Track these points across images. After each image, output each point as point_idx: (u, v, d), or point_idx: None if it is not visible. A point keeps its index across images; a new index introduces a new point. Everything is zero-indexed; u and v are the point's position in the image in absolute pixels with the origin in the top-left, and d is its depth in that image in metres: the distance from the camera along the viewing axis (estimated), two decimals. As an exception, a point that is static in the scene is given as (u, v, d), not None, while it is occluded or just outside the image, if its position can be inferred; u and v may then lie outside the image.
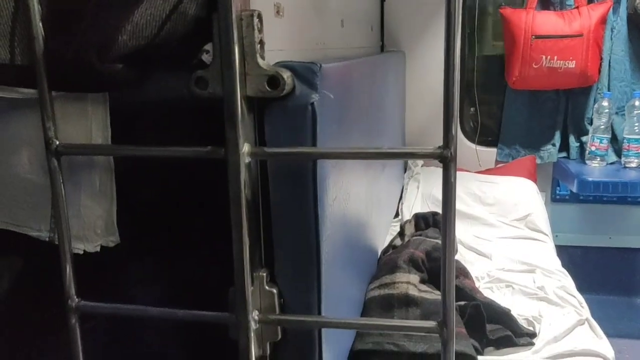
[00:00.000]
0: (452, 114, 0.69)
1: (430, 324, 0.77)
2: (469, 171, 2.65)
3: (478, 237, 2.11)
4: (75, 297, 0.85)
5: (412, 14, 2.61)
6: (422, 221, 1.70)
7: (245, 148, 0.73)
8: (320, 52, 1.22)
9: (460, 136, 2.75)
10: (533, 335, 1.33)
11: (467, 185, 2.40)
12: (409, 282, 1.22)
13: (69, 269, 0.84)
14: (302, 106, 0.77)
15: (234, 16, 0.70)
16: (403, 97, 2.55)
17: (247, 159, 0.74)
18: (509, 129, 2.70)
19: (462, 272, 1.45)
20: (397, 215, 2.22)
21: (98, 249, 0.87)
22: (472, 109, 2.81)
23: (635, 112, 2.36)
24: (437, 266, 1.42)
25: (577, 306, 1.56)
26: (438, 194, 2.44)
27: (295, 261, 0.82)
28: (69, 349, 0.86)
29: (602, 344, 1.36)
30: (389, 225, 1.99)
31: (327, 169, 0.83)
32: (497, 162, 2.73)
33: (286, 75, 0.75)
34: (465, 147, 2.74)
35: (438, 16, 2.64)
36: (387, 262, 1.33)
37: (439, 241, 1.52)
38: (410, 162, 2.68)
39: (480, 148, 2.74)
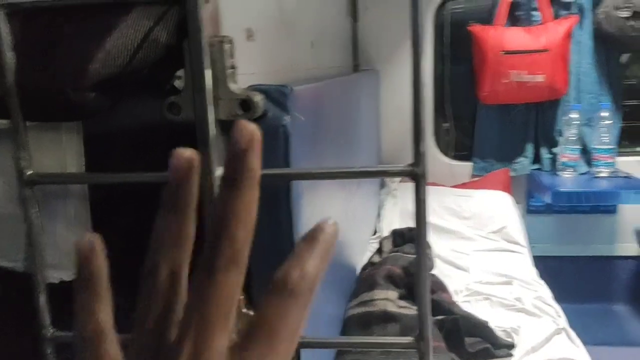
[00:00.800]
0: (421, 132, 0.71)
1: (408, 339, 0.78)
2: (445, 186, 2.69)
3: (455, 251, 2.13)
4: (49, 327, 0.84)
5: (385, 33, 2.66)
6: (399, 237, 1.72)
7: (219, 172, 0.74)
8: (291, 73, 1.24)
9: (435, 151, 2.79)
10: (511, 346, 1.35)
11: (443, 199, 2.44)
12: (387, 299, 1.23)
13: (42, 299, 0.83)
14: (274, 128, 0.79)
15: (204, 42, 0.71)
16: (377, 115, 2.58)
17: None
18: (482, 143, 2.75)
19: (440, 287, 1.46)
20: (376, 232, 2.24)
21: (74, 277, 0.86)
22: (445, 125, 2.86)
23: (604, 122, 2.42)
24: (414, 282, 1.44)
25: (554, 316, 1.58)
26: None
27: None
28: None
29: (579, 352, 1.39)
30: (368, 242, 2.00)
31: (301, 189, 0.85)
32: (472, 175, 2.78)
33: (257, 98, 0.76)
34: (440, 162, 2.78)
35: (409, 36, 2.69)
36: (365, 280, 1.34)
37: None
38: (387, 179, 2.72)
39: (454, 162, 2.78)
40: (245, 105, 0.76)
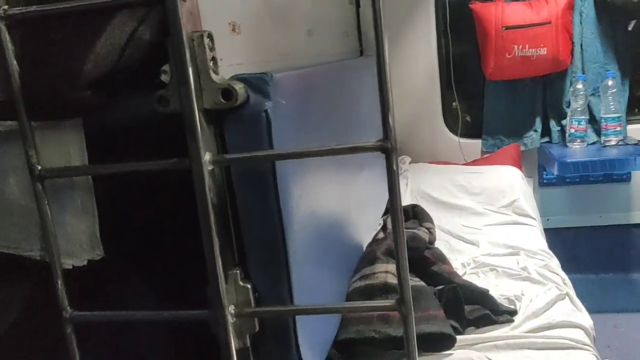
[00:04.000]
0: (389, 107, 0.76)
1: (390, 302, 0.83)
2: (456, 164, 2.72)
3: (466, 226, 2.17)
4: (68, 308, 0.92)
5: (388, 17, 2.69)
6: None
7: (207, 157, 0.80)
8: (283, 62, 1.30)
9: (444, 130, 2.83)
10: (513, 312, 1.39)
11: (453, 177, 2.47)
12: (387, 272, 1.28)
13: (60, 284, 0.91)
14: (257, 114, 0.84)
15: (185, 38, 0.77)
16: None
17: (210, 167, 0.81)
18: (491, 120, 2.77)
19: (440, 258, 1.51)
20: (387, 212, 2.29)
21: (85, 262, 0.94)
22: (453, 104, 2.88)
23: (610, 91, 2.42)
24: (414, 255, 1.49)
25: (559, 283, 1.62)
26: (427, 188, 2.51)
27: (265, 257, 0.89)
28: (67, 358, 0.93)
29: (581, 316, 1.42)
30: (377, 221, 2.06)
31: (287, 169, 0.91)
32: (482, 152, 2.80)
33: (239, 87, 0.82)
34: (450, 140, 2.81)
35: (412, 19, 2.72)
36: (367, 255, 1.40)
37: (416, 231, 1.59)
38: (399, 160, 2.76)
39: (464, 140, 2.81)
40: (228, 94, 0.82)
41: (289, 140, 0.93)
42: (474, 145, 2.81)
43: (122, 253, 0.97)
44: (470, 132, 2.86)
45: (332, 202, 1.28)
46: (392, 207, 0.81)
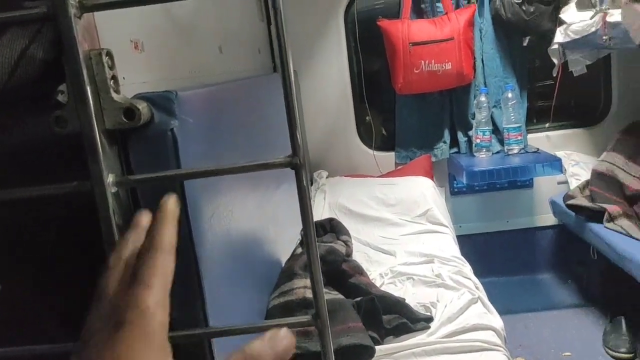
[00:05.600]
0: (296, 124, 0.76)
1: (306, 317, 0.83)
2: (372, 176, 2.79)
3: (383, 237, 2.22)
4: None
5: (300, 35, 2.72)
6: (321, 228, 1.78)
7: (110, 179, 0.77)
8: (192, 80, 1.28)
9: (359, 143, 2.89)
10: (430, 319, 1.43)
11: (369, 189, 2.52)
12: (305, 287, 1.28)
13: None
14: (162, 133, 0.82)
15: (81, 56, 0.74)
16: (297, 112, 2.63)
17: (114, 189, 0.78)
18: (402, 133, 2.86)
19: (357, 270, 1.53)
20: (305, 227, 2.29)
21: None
22: (367, 118, 2.95)
23: (510, 103, 2.58)
24: (332, 268, 1.50)
25: (472, 288, 1.68)
26: (344, 201, 2.53)
27: (176, 280, 0.86)
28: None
29: (493, 318, 1.48)
30: (296, 236, 2.06)
31: (197, 188, 0.89)
32: (396, 164, 2.89)
33: (142, 106, 0.80)
34: (364, 153, 2.87)
35: (323, 35, 2.77)
36: (285, 271, 1.39)
37: (333, 244, 1.61)
38: (315, 175, 2.79)
39: (379, 153, 2.88)
40: (130, 113, 0.79)
41: (198, 158, 0.91)
42: (389, 157, 2.89)
43: (19, 283, 0.90)
44: (385, 144, 2.94)
45: (247, 219, 1.27)
46: (304, 222, 0.81)
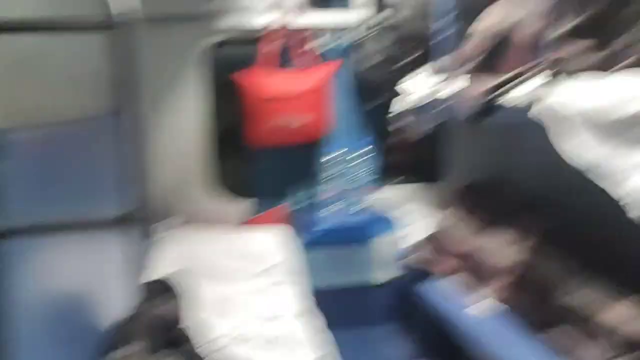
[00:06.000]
0: (136, 179, 0.69)
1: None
2: (226, 225, 2.70)
3: (227, 295, 2.11)
4: None
5: (154, 78, 2.60)
6: (156, 287, 1.64)
7: None
8: (18, 122, 1.13)
9: (215, 192, 2.80)
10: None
11: (221, 241, 2.44)
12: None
13: None
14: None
15: None
16: (140, 160, 2.49)
17: None
18: (258, 182, 2.82)
19: (196, 333, 1.43)
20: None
21: None
22: (225, 166, 2.88)
23: (359, 160, 2.67)
24: (167, 334, 1.39)
25: (317, 345, 1.65)
26: (193, 253, 2.37)
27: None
28: None
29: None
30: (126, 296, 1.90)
31: (12, 248, 0.76)
32: (253, 213, 2.83)
33: None
34: (219, 201, 2.79)
35: (180, 82, 2.69)
36: (114, 335, 1.26)
37: (169, 307, 1.49)
38: (162, 224, 2.63)
39: (235, 201, 2.81)
40: None
41: (14, 211, 0.79)
42: (245, 205, 2.83)
43: None
44: (242, 192, 2.88)
45: (71, 279, 1.13)
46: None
